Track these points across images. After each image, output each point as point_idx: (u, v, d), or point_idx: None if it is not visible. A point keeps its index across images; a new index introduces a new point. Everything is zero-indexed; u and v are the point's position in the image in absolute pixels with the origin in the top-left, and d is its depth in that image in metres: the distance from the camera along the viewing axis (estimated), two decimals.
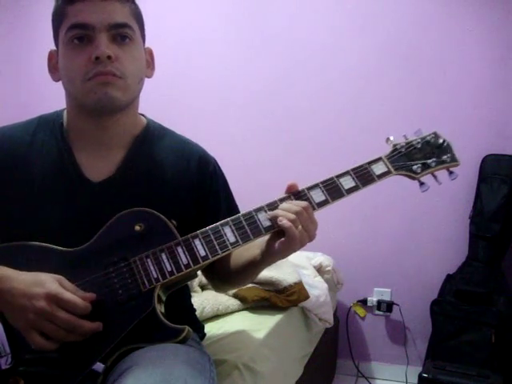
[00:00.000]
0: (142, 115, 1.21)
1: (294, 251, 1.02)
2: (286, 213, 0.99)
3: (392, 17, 2.47)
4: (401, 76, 2.47)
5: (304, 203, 1.00)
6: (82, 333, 0.93)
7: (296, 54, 2.61)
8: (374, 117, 2.50)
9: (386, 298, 2.56)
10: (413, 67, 2.46)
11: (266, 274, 1.84)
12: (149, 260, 0.99)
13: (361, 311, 2.59)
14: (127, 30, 1.05)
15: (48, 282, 0.93)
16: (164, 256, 0.99)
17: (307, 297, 1.90)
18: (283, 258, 1.04)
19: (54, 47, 1.12)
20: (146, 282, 0.98)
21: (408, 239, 2.51)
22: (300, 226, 0.98)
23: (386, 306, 2.54)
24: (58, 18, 1.06)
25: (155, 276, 0.98)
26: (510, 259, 2.35)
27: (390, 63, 2.49)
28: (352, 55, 2.53)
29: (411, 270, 2.51)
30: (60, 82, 1.11)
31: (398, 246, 2.53)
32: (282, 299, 1.84)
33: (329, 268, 2.31)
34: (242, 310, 1.83)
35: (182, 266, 0.99)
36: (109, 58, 1.01)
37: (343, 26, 2.55)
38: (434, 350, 2.27)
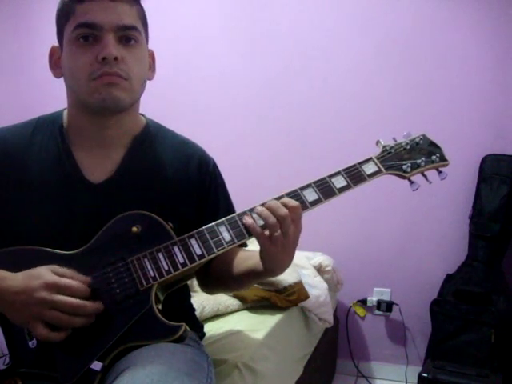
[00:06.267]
0: (142, 115, 1.21)
1: (278, 256, 0.99)
2: (268, 214, 0.97)
3: (392, 17, 2.48)
4: (400, 76, 2.48)
5: (294, 203, 0.98)
6: (86, 313, 0.94)
7: (295, 55, 2.62)
8: (375, 117, 2.50)
9: (386, 297, 2.56)
10: (412, 67, 2.46)
11: None
12: (146, 260, 1.00)
13: (361, 311, 2.60)
14: (134, 33, 1.05)
15: (43, 273, 0.95)
16: (161, 255, 1.00)
17: (307, 297, 1.90)
18: (275, 265, 1.02)
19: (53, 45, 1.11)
20: (143, 281, 0.99)
21: (408, 239, 2.52)
22: (279, 231, 0.96)
23: (386, 306, 2.54)
24: (64, 15, 1.05)
25: (152, 275, 0.99)
26: (509, 259, 2.35)
27: (390, 63, 2.49)
28: (351, 56, 2.54)
29: (411, 270, 2.51)
30: (61, 81, 1.11)
31: (397, 246, 2.53)
32: (281, 299, 1.84)
33: (329, 268, 2.31)
34: (242, 309, 1.84)
35: (179, 265, 1.00)
36: (115, 59, 1.01)
37: (343, 26, 2.55)
38: (433, 349, 2.27)
